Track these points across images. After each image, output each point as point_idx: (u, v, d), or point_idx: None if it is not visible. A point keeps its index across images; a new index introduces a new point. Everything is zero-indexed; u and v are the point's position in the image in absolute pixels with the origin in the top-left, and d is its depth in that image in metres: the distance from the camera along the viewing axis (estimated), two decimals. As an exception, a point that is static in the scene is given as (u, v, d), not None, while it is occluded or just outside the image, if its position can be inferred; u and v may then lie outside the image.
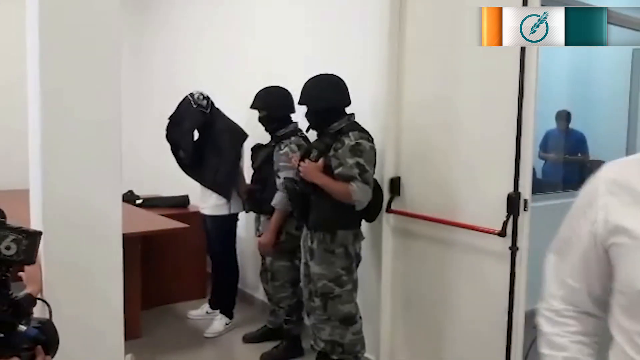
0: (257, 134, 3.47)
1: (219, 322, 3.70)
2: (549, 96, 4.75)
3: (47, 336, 1.18)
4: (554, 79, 4.90)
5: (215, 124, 3.58)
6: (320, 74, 2.82)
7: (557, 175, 5.07)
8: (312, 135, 3.03)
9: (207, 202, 3.66)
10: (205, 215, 3.71)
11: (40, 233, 1.15)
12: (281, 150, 3.14)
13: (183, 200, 4.39)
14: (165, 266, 4.04)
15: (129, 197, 4.27)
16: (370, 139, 2.71)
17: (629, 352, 0.95)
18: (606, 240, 0.99)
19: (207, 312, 3.89)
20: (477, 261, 2.58)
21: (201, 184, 3.67)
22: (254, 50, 4.01)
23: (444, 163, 2.70)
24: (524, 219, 2.38)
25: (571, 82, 5.14)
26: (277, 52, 3.78)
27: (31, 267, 1.58)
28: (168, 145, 3.63)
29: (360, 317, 2.85)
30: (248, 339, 3.55)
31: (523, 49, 2.28)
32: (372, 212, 2.82)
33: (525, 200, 2.37)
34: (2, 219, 1.17)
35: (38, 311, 1.40)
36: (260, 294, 3.93)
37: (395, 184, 2.90)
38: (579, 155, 5.13)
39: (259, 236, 3.31)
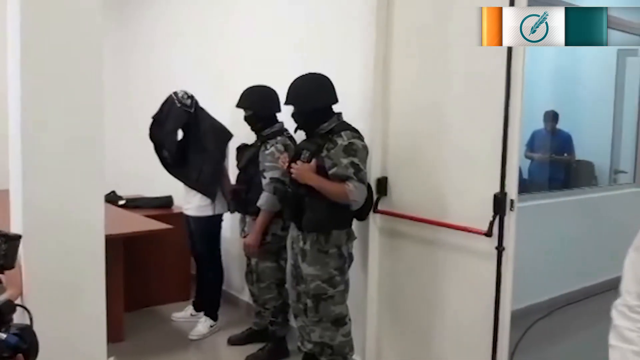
0: (242, 133, 3.43)
1: (203, 324, 3.66)
2: (537, 96, 4.79)
3: (28, 343, 1.16)
4: (543, 79, 4.95)
5: (200, 124, 3.53)
6: (306, 74, 2.79)
7: (543, 175, 5.11)
8: (298, 136, 3.01)
9: (191, 202, 3.62)
10: (189, 216, 3.66)
11: (19, 237, 1.13)
12: (267, 150, 3.12)
13: (167, 201, 4.35)
14: (149, 268, 3.99)
15: (111, 198, 4.22)
16: (362, 137, 2.69)
17: None
18: None
19: (191, 314, 3.85)
20: (464, 261, 2.59)
21: (185, 183, 3.62)
22: (237, 49, 3.97)
23: (430, 163, 2.70)
24: (510, 219, 2.39)
25: (559, 83, 5.18)
26: (262, 52, 3.75)
27: (11, 270, 1.55)
28: (151, 145, 3.58)
29: (349, 319, 2.83)
30: (233, 341, 3.52)
31: (510, 49, 2.28)
32: (363, 210, 2.81)
33: (512, 201, 2.38)
34: None
35: (18, 316, 1.36)
36: (245, 296, 3.90)
37: (382, 184, 2.90)
38: (565, 155, 5.17)
39: (244, 237, 3.28)
